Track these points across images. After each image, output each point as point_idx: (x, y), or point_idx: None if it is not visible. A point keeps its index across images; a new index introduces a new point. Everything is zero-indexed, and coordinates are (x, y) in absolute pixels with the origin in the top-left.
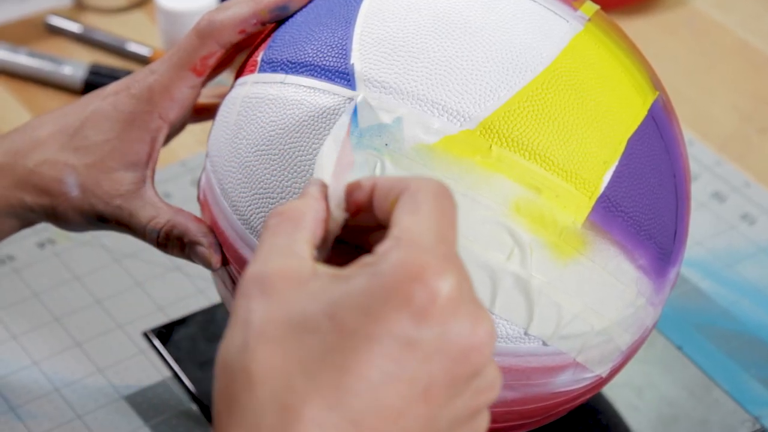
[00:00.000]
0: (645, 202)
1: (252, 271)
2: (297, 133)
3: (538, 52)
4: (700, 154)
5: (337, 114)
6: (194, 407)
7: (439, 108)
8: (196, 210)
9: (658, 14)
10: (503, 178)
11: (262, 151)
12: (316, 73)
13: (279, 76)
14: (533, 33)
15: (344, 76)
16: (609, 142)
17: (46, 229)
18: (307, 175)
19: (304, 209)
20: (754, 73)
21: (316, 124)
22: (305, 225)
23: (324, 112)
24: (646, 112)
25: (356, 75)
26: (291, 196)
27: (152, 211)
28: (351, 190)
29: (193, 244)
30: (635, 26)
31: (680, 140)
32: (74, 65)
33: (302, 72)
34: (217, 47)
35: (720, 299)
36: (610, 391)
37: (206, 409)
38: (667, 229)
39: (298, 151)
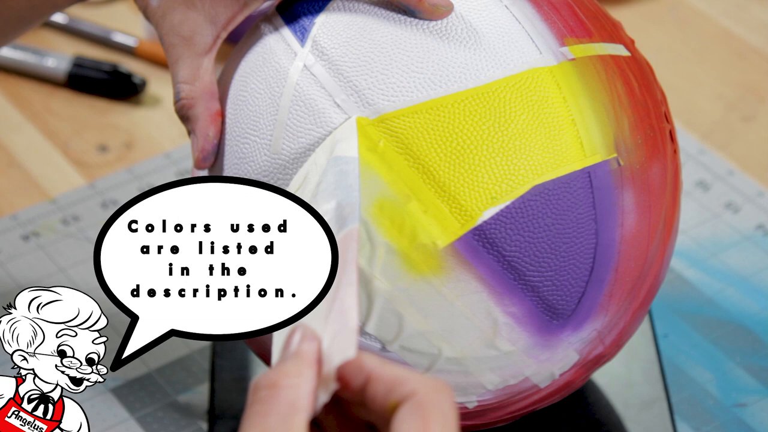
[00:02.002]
0: (534, 254)
1: None
2: (245, 74)
3: (479, 68)
4: (684, 143)
5: (280, 66)
6: (180, 399)
7: (356, 90)
8: None
9: (642, 3)
10: (378, 175)
11: (224, 92)
12: (289, 21)
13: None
14: (490, 50)
15: (303, 31)
16: (508, 180)
17: (30, 222)
18: (243, 122)
19: (299, 383)
20: (738, 61)
21: (261, 70)
22: (302, 406)
23: (272, 59)
24: (578, 168)
25: (310, 34)
26: (229, 142)
27: (190, 75)
28: (345, 369)
29: (191, 134)
30: (619, 16)
31: (628, 214)
32: (58, 57)
33: (286, 17)
34: None
35: (705, 288)
36: (599, 380)
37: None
38: (566, 292)
39: (242, 95)
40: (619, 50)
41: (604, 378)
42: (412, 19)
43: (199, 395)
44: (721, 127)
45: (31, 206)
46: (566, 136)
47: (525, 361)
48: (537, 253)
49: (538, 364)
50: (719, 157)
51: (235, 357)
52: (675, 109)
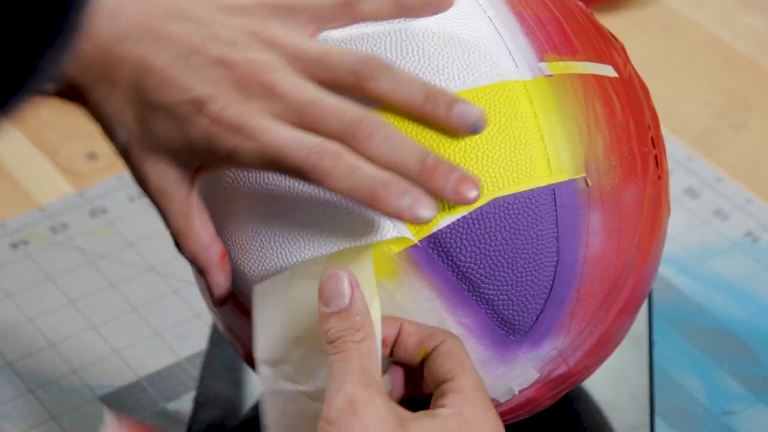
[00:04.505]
0: (490, 267)
1: (345, 396)
2: None
3: (450, 76)
4: (673, 150)
5: None
6: (169, 407)
7: None
8: None
9: (630, 10)
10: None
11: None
12: None
13: None
14: (465, 59)
15: None
16: None
17: (18, 231)
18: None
19: (370, 336)
20: (727, 68)
21: None
22: (376, 357)
23: None
24: (543, 184)
25: None
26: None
27: (181, 228)
28: (383, 321)
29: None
30: (607, 23)
31: (593, 235)
32: None
33: None
34: None
35: (694, 295)
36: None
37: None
38: (523, 309)
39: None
40: (606, 71)
41: (591, 397)
42: (392, 25)
43: (188, 403)
44: (710, 134)
45: (19, 214)
46: (533, 151)
47: (480, 373)
48: (493, 267)
49: (494, 378)
50: (708, 165)
51: (230, 347)
52: (663, 117)
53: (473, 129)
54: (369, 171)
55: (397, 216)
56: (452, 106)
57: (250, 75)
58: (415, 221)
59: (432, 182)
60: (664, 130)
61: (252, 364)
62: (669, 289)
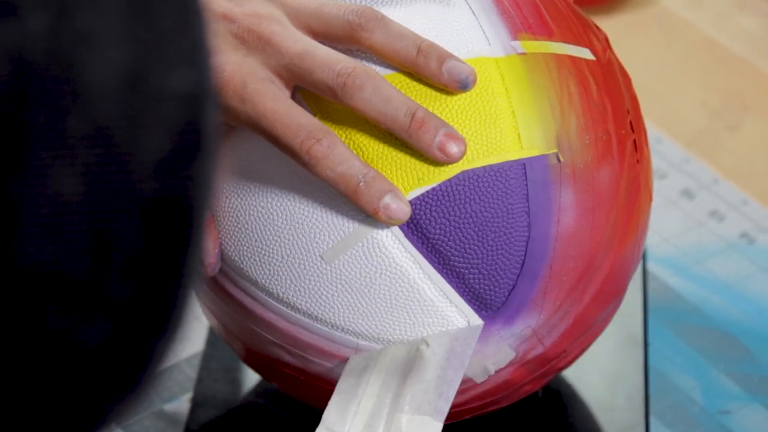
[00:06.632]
0: (460, 240)
1: None
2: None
3: None
4: (668, 152)
5: None
6: (167, 407)
7: None
8: None
9: (627, 12)
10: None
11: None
12: None
13: None
14: (438, 36)
15: None
16: (437, 162)
17: None
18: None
19: None
20: (723, 70)
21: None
22: None
23: None
24: (512, 158)
25: None
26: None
27: None
28: None
29: None
30: (604, 24)
31: (565, 211)
32: None
33: None
34: None
35: (689, 296)
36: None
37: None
38: (495, 283)
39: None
40: (583, 53)
41: (586, 398)
42: (364, 1)
43: (186, 404)
44: (706, 136)
45: None
46: (503, 126)
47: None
48: (463, 239)
49: (471, 357)
50: (704, 166)
51: (227, 348)
52: (659, 118)
53: (463, 85)
54: (357, 164)
55: (373, 214)
56: (443, 61)
57: (250, 27)
58: (387, 222)
59: (420, 137)
60: (660, 132)
61: (249, 363)
62: (665, 290)
